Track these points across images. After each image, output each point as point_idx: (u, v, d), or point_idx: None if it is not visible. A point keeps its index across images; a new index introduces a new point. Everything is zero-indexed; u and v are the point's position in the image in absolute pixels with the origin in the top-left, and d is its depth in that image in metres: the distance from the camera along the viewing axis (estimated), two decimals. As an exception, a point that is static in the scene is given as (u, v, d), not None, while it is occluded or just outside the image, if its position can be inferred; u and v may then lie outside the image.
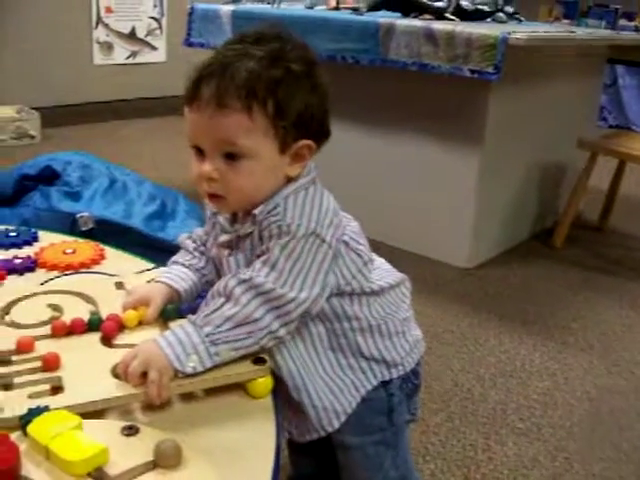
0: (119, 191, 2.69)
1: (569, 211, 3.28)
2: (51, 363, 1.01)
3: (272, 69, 1.03)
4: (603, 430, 1.97)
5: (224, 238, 1.14)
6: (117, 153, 3.89)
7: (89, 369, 1.01)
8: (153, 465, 0.83)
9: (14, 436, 0.85)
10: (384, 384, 1.20)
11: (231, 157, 1.05)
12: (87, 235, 2.45)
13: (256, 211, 1.07)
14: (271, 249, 1.03)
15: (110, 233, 2.46)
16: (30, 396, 0.94)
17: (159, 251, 2.60)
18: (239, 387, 1.04)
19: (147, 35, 5.58)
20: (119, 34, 5.42)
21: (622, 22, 5.71)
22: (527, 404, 2.06)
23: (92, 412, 0.93)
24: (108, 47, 5.38)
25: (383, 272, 1.24)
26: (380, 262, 1.27)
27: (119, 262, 1.51)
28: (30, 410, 0.88)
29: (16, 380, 0.98)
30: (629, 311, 2.72)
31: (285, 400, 1.14)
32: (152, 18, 5.58)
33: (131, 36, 5.49)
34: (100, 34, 5.32)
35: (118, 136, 4.89)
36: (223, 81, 1.02)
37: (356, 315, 1.15)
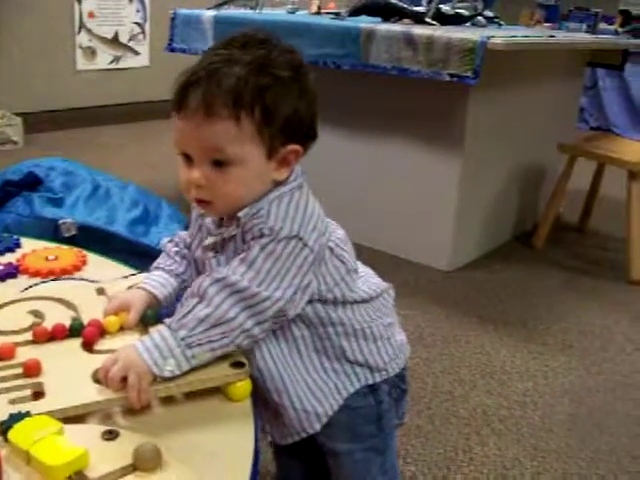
0: (102, 197, 2.70)
1: (549, 213, 3.31)
2: (32, 369, 1.02)
3: (259, 76, 1.03)
4: (582, 430, 2.00)
5: (209, 241, 1.15)
6: (100, 158, 3.90)
7: (70, 374, 1.02)
8: (132, 468, 0.84)
9: (-5, 441, 0.87)
10: (372, 391, 1.21)
11: (219, 164, 1.06)
12: (70, 241, 2.46)
13: (240, 214, 1.08)
14: (251, 248, 1.05)
15: (93, 239, 2.47)
16: (11, 402, 0.96)
17: (142, 256, 2.61)
18: (218, 391, 1.05)
19: (130, 40, 5.57)
20: (102, 39, 5.41)
21: (602, 26, 5.77)
22: (507, 405, 2.08)
23: (73, 417, 0.94)
24: (91, 52, 5.37)
25: (368, 279, 1.26)
26: (365, 271, 1.29)
27: (101, 268, 1.52)
28: (11, 415, 0.89)
29: (-3, 386, 1.00)
30: (608, 311, 2.76)
31: (265, 402, 1.15)
32: (135, 23, 5.57)
33: (114, 41, 5.48)
34: (83, 39, 5.31)
35: (101, 141, 4.90)
36: (210, 89, 1.03)
37: (340, 320, 1.16)
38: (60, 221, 2.51)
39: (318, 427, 1.17)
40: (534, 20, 6.73)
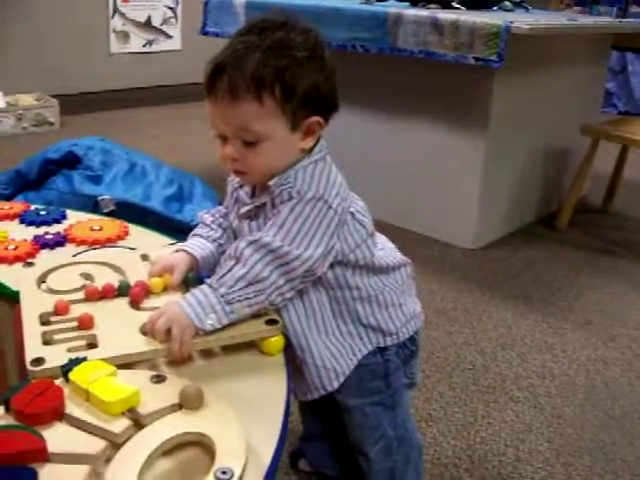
0: (138, 175, 2.81)
1: (572, 194, 3.37)
2: (86, 322, 1.13)
3: (277, 58, 1.13)
4: (597, 399, 2.08)
5: (244, 209, 1.26)
6: (134, 140, 4.01)
7: (120, 328, 1.12)
8: (179, 407, 0.94)
9: (57, 382, 0.97)
10: (380, 350, 1.32)
11: (247, 142, 1.17)
12: (108, 217, 2.58)
13: (270, 182, 1.20)
14: (280, 211, 1.16)
15: (130, 215, 2.56)
16: (69, 350, 1.06)
17: (177, 232, 2.73)
18: (253, 345, 1.15)
19: (162, 24, 5.68)
20: (135, 23, 5.52)
21: (634, 9, 5.77)
22: (526, 375, 2.17)
23: (123, 365, 1.05)
24: (124, 36, 5.48)
25: (388, 252, 1.35)
26: (383, 241, 1.39)
27: (142, 238, 1.63)
28: (71, 360, 1.00)
29: (55, 337, 1.10)
30: (628, 290, 2.82)
31: (289, 360, 1.25)
32: (168, 7, 5.68)
33: (147, 25, 5.59)
34: (117, 23, 5.42)
35: (135, 123, 5.01)
36: (234, 75, 1.14)
37: (357, 284, 1.26)
38: (99, 197, 2.62)
39: (336, 385, 1.28)
40: (564, 3, 6.74)
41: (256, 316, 1.16)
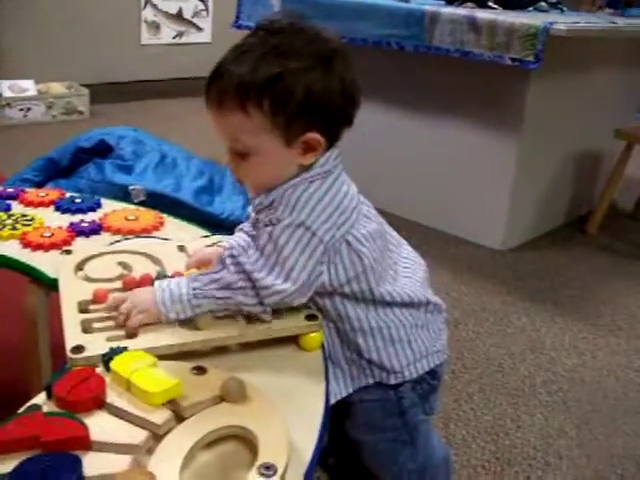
0: (169, 166, 2.81)
1: (604, 199, 3.34)
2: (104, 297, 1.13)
3: (270, 66, 1.03)
4: (627, 407, 2.06)
5: (251, 218, 1.22)
6: (163, 130, 4.00)
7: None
8: (220, 399, 0.94)
9: (97, 371, 0.97)
10: (392, 387, 1.23)
11: (239, 154, 1.10)
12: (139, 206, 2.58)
13: (256, 201, 1.14)
14: (261, 235, 1.09)
15: (161, 205, 2.57)
16: (108, 339, 1.06)
17: (207, 224, 2.73)
18: (292, 340, 1.14)
19: (193, 16, 5.68)
20: (166, 14, 5.53)
21: (670, 13, 5.70)
22: (555, 379, 2.15)
23: (162, 356, 1.04)
24: (155, 27, 5.49)
25: (410, 284, 1.23)
26: (417, 276, 1.26)
27: (177, 229, 1.62)
28: (111, 349, 1.00)
29: (95, 325, 1.10)
30: (658, 297, 2.80)
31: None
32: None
33: (178, 16, 5.60)
34: (148, 14, 5.43)
35: (164, 114, 5.01)
36: (222, 83, 1.06)
37: (357, 316, 1.18)
38: (130, 187, 2.63)
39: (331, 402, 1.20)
40: (596, 5, 6.67)
41: (296, 310, 1.15)
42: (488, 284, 2.75)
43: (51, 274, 1.35)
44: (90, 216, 1.66)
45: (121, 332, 1.08)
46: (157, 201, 2.59)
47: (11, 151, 3.92)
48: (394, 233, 1.29)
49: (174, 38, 5.62)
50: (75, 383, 0.91)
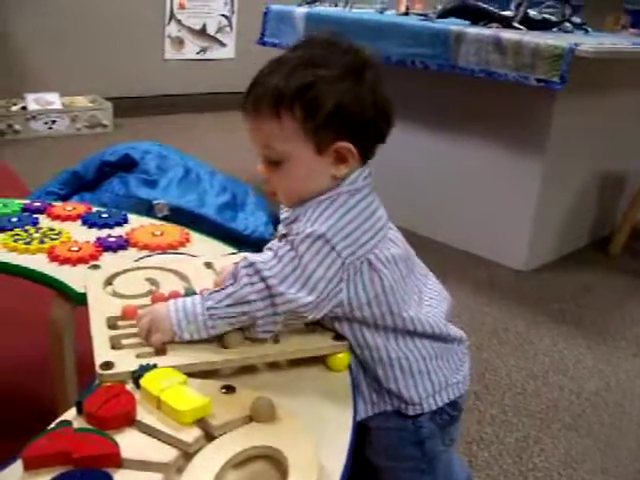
0: (193, 181, 2.83)
1: (628, 220, 3.32)
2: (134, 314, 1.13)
3: (303, 75, 1.07)
4: (652, 431, 2.04)
5: (279, 232, 1.22)
6: (185, 145, 4.00)
7: (188, 336, 1.12)
8: (249, 419, 0.93)
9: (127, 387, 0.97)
10: (411, 416, 1.20)
11: (273, 162, 1.13)
12: (162, 221, 2.59)
13: (282, 217, 1.17)
14: (283, 244, 1.08)
15: (184, 220, 2.58)
16: (137, 356, 1.06)
17: (230, 240, 2.74)
18: (320, 360, 1.14)
19: (217, 32, 5.71)
20: (190, 30, 5.56)
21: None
22: (578, 402, 2.13)
23: (190, 373, 1.04)
24: (179, 42, 5.53)
25: (433, 314, 1.21)
26: (438, 298, 1.25)
27: (203, 245, 1.63)
28: (141, 366, 1.00)
29: (124, 342, 1.10)
30: (683, 321, 2.77)
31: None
32: (223, 15, 5.71)
33: (202, 32, 5.63)
34: (172, 29, 5.47)
35: (186, 129, 5.04)
36: (258, 91, 1.10)
37: (376, 345, 1.15)
38: (154, 202, 2.64)
39: None
40: (619, 25, 6.65)
41: (323, 331, 1.15)
42: (510, 305, 2.74)
43: (78, 288, 1.36)
44: (117, 231, 1.67)
45: (150, 349, 1.09)
46: (180, 216, 2.59)
47: (36, 163, 3.95)
48: (422, 265, 1.28)
49: (198, 54, 5.66)
50: (105, 399, 0.92)
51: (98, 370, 1.02)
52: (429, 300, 1.23)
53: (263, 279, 1.05)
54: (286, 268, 1.06)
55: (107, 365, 1.03)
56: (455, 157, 3.19)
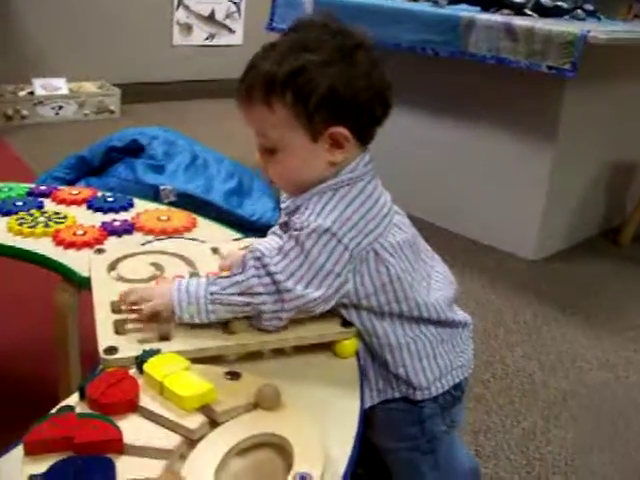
0: (200, 167, 2.81)
1: (637, 210, 3.29)
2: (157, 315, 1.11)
3: (295, 59, 1.04)
4: (661, 422, 2.02)
5: (281, 220, 1.22)
6: (193, 131, 3.99)
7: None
8: (254, 406, 0.92)
9: (130, 373, 0.96)
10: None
11: (268, 150, 1.11)
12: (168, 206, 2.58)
13: (283, 205, 1.15)
14: (288, 239, 1.07)
15: (191, 206, 2.56)
16: (141, 341, 1.05)
17: (237, 226, 2.72)
18: (326, 347, 1.12)
19: (226, 18, 5.68)
20: (199, 16, 5.53)
21: None
22: (586, 392, 2.11)
23: (195, 359, 1.02)
24: (187, 28, 5.49)
25: (442, 300, 1.19)
26: (444, 281, 1.23)
27: (209, 231, 1.61)
28: (145, 351, 0.98)
29: (127, 327, 1.08)
30: (693, 312, 2.75)
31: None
32: (231, 1, 5.67)
33: (210, 18, 5.60)
34: (181, 15, 5.43)
35: (194, 115, 5.02)
36: (250, 78, 1.08)
37: (385, 332, 1.14)
38: (161, 187, 2.62)
39: None
40: (632, 14, 6.60)
41: (331, 316, 1.13)
42: (519, 294, 2.72)
43: (83, 272, 1.34)
44: (122, 215, 1.66)
45: (154, 334, 1.07)
46: (187, 202, 2.58)
47: (42, 149, 3.93)
48: (428, 247, 1.26)
49: (206, 40, 5.62)
50: (108, 385, 0.90)
51: (102, 355, 1.01)
52: (436, 284, 1.21)
53: (269, 274, 1.04)
54: (292, 264, 1.05)
55: (111, 350, 1.02)
56: (464, 145, 3.16)
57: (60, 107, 4.65)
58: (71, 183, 2.74)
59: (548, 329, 2.47)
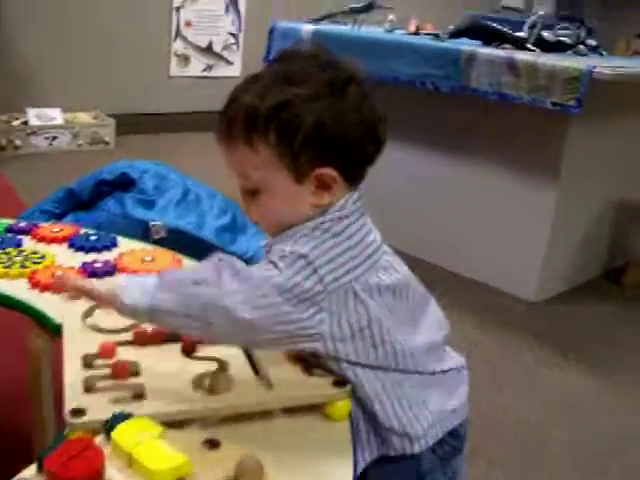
0: (192, 202, 2.72)
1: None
2: (123, 372, 1.01)
3: (279, 92, 0.96)
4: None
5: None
6: (188, 164, 3.90)
7: (170, 379, 1.01)
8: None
9: (97, 439, 0.86)
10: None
11: (249, 191, 1.03)
12: (159, 244, 2.48)
13: (263, 242, 1.08)
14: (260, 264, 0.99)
15: (182, 243, 2.48)
16: (112, 401, 0.95)
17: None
18: (316, 409, 1.03)
19: (223, 49, 5.64)
20: (196, 47, 5.49)
21: None
22: (594, 443, 2.02)
23: (171, 422, 0.93)
24: (185, 59, 5.46)
25: (422, 350, 1.09)
26: (430, 323, 1.13)
27: (196, 273, 1.52)
28: (115, 416, 0.89)
29: (99, 384, 0.99)
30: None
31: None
32: (230, 33, 5.64)
33: (208, 50, 5.56)
34: (178, 46, 5.40)
35: (190, 147, 4.93)
36: (230, 113, 1.00)
37: (367, 378, 1.03)
38: (151, 223, 2.53)
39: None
40: (630, 50, 6.58)
41: (321, 376, 1.04)
42: (519, 337, 2.62)
43: (58, 318, 1.25)
44: (105, 255, 1.57)
45: (128, 393, 0.97)
46: (178, 238, 2.49)
47: (35, 179, 3.85)
48: (421, 289, 1.15)
49: (203, 71, 5.58)
50: (70, 455, 0.81)
51: (67, 418, 0.91)
52: (422, 328, 1.11)
53: (236, 269, 0.96)
54: (264, 272, 0.96)
55: (78, 412, 0.92)
56: (464, 181, 3.08)
57: (54, 137, 4.60)
58: (60, 217, 2.65)
59: (551, 376, 2.37)
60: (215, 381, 0.99)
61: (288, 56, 1.04)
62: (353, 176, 1.03)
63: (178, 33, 5.38)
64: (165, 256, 1.57)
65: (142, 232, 2.49)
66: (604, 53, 3.55)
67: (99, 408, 0.93)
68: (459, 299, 2.74)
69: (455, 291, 2.82)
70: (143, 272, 1.46)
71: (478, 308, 2.78)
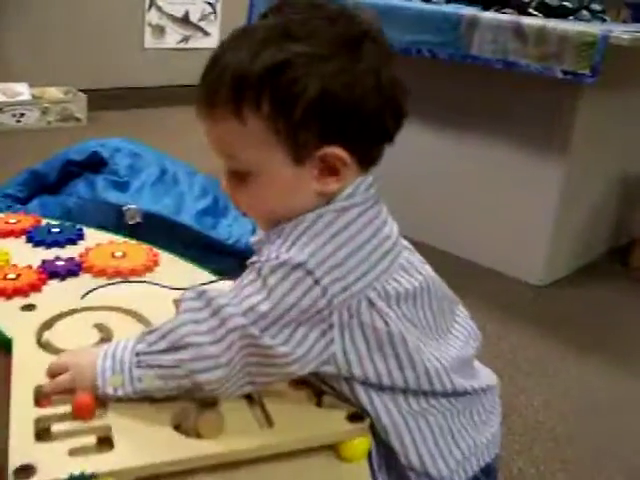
0: (169, 183, 2.51)
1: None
2: (87, 410, 0.80)
3: (271, 53, 0.77)
4: None
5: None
6: (165, 141, 3.71)
7: (145, 418, 0.80)
8: None
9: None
10: None
11: (238, 175, 0.83)
12: (134, 229, 2.27)
13: (253, 240, 0.90)
14: (248, 272, 0.81)
15: (158, 228, 2.28)
16: (70, 452, 0.74)
17: (210, 251, 2.41)
18: (328, 448, 0.83)
19: (200, 20, 5.40)
20: (172, 18, 5.25)
21: None
22: (620, 445, 1.82)
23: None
24: (160, 30, 5.22)
25: (457, 364, 0.91)
26: (461, 346, 0.94)
27: (175, 270, 1.32)
28: (73, 477, 0.68)
29: (55, 427, 0.78)
30: None
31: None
32: (207, 3, 5.40)
33: (184, 20, 5.32)
34: (153, 17, 5.16)
35: (166, 123, 4.72)
36: (213, 76, 0.81)
37: (386, 407, 0.85)
38: (125, 207, 2.32)
39: None
40: (620, 19, 6.39)
41: (334, 405, 0.84)
42: (529, 326, 2.42)
43: (9, 332, 1.03)
44: (69, 251, 1.36)
45: (91, 438, 0.77)
46: (155, 223, 2.29)
47: (2, 159, 3.62)
48: (448, 291, 0.96)
49: (179, 42, 5.33)
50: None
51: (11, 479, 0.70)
52: (454, 340, 0.93)
53: (216, 311, 0.78)
54: (249, 300, 0.77)
55: (25, 471, 0.71)
56: (466, 159, 2.87)
57: (22, 114, 4.35)
58: (24, 202, 2.43)
59: (566, 370, 2.16)
60: (201, 420, 0.78)
61: (287, 5, 0.83)
62: (367, 157, 0.84)
63: (152, 2, 5.13)
64: (139, 252, 1.36)
65: (115, 218, 2.29)
66: (607, 19, 3.35)
67: (53, 463, 0.72)
68: (459, 283, 2.51)
69: (454, 274, 2.59)
70: (112, 270, 1.25)
71: (483, 294, 2.57)
